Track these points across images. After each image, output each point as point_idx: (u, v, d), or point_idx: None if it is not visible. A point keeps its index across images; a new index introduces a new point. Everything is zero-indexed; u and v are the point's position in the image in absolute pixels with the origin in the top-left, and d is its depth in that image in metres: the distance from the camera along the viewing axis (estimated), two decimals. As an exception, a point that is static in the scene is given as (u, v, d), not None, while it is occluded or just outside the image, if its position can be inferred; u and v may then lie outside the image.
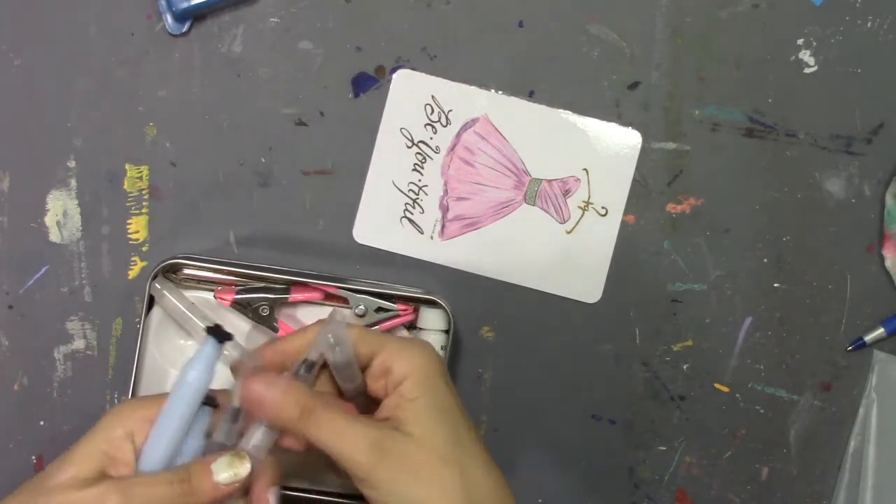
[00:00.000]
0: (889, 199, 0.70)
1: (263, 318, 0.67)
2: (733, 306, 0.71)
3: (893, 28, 0.70)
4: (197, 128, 0.70)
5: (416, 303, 0.68)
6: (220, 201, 0.70)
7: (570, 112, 0.70)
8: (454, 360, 0.70)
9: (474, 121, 0.70)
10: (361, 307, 0.67)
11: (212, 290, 0.68)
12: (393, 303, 0.67)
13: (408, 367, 0.53)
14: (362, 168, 0.70)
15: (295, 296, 0.67)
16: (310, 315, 0.68)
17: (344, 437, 0.51)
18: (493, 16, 0.70)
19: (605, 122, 0.70)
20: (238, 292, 0.67)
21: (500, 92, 0.70)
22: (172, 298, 0.66)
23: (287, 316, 0.68)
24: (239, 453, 0.52)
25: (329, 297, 0.68)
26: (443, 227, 0.71)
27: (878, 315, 0.71)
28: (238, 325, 0.68)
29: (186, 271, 0.68)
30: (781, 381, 0.71)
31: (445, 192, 0.70)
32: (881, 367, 0.70)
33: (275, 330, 0.67)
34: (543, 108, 0.70)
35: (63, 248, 0.70)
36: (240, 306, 0.67)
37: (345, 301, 0.67)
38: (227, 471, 0.52)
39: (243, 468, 0.52)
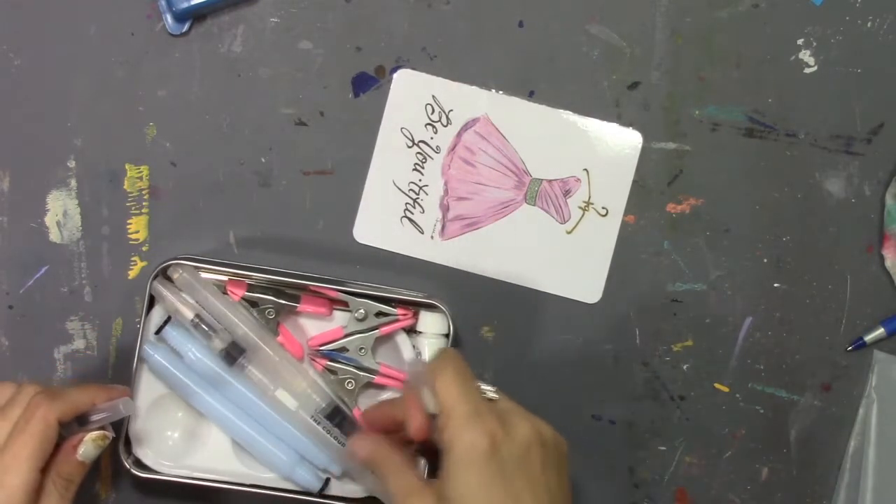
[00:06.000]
0: (889, 199, 0.70)
1: (268, 320, 0.67)
2: (733, 306, 0.71)
3: (893, 28, 0.70)
4: (197, 128, 0.70)
5: (416, 307, 0.68)
6: (220, 201, 0.70)
7: (570, 112, 0.70)
8: (454, 360, 0.70)
9: (475, 121, 0.70)
10: (361, 311, 0.67)
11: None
12: (393, 307, 0.67)
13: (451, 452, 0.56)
14: (362, 168, 0.70)
15: (304, 306, 0.67)
16: (314, 327, 0.69)
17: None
18: (493, 16, 0.70)
19: (605, 122, 0.70)
20: (248, 289, 0.67)
21: (501, 92, 0.70)
22: (201, 288, 0.66)
23: (292, 323, 0.68)
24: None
25: (335, 303, 0.68)
26: (443, 226, 0.71)
27: (878, 315, 0.71)
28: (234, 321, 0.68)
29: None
30: (781, 381, 0.71)
31: (446, 191, 0.70)
32: (881, 367, 0.70)
33: (275, 334, 0.67)
34: (544, 108, 0.70)
35: (63, 248, 0.70)
36: (248, 303, 0.67)
37: (345, 304, 0.67)
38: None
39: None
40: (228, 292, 0.67)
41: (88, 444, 0.60)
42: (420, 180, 0.70)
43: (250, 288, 0.67)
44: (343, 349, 0.67)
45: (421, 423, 0.57)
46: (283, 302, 0.67)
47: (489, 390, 0.59)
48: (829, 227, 0.71)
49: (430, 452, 0.59)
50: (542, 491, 0.55)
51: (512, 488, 0.54)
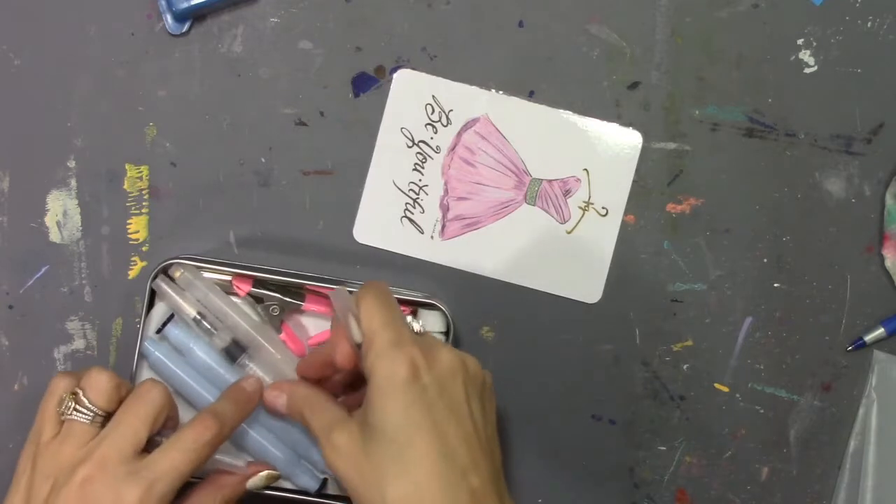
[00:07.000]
0: (889, 199, 0.70)
1: (272, 317, 0.67)
2: (733, 306, 0.71)
3: (893, 28, 0.70)
4: (197, 128, 0.70)
5: (415, 306, 0.68)
6: (220, 201, 0.70)
7: (570, 112, 0.70)
8: (454, 360, 0.70)
9: (475, 121, 0.70)
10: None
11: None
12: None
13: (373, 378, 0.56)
14: (362, 168, 0.70)
15: (309, 305, 0.67)
16: (315, 326, 0.69)
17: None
18: (493, 16, 0.70)
19: (605, 123, 0.70)
20: (254, 286, 0.67)
21: (501, 92, 0.70)
22: (202, 286, 0.66)
23: (295, 322, 0.68)
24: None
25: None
26: (443, 226, 0.71)
27: (878, 315, 0.71)
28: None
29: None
30: (781, 381, 0.71)
31: (446, 191, 0.70)
32: (881, 367, 0.70)
33: (279, 332, 0.67)
34: (543, 108, 0.70)
35: (63, 248, 0.70)
36: (253, 299, 0.67)
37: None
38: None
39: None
40: (235, 287, 0.67)
41: (262, 480, 0.63)
42: (420, 180, 0.70)
43: (256, 284, 0.67)
44: (341, 348, 0.67)
45: (347, 351, 0.58)
46: (289, 300, 0.67)
47: (416, 325, 0.59)
48: (829, 227, 0.71)
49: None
50: (464, 418, 0.55)
51: (433, 414, 0.54)
